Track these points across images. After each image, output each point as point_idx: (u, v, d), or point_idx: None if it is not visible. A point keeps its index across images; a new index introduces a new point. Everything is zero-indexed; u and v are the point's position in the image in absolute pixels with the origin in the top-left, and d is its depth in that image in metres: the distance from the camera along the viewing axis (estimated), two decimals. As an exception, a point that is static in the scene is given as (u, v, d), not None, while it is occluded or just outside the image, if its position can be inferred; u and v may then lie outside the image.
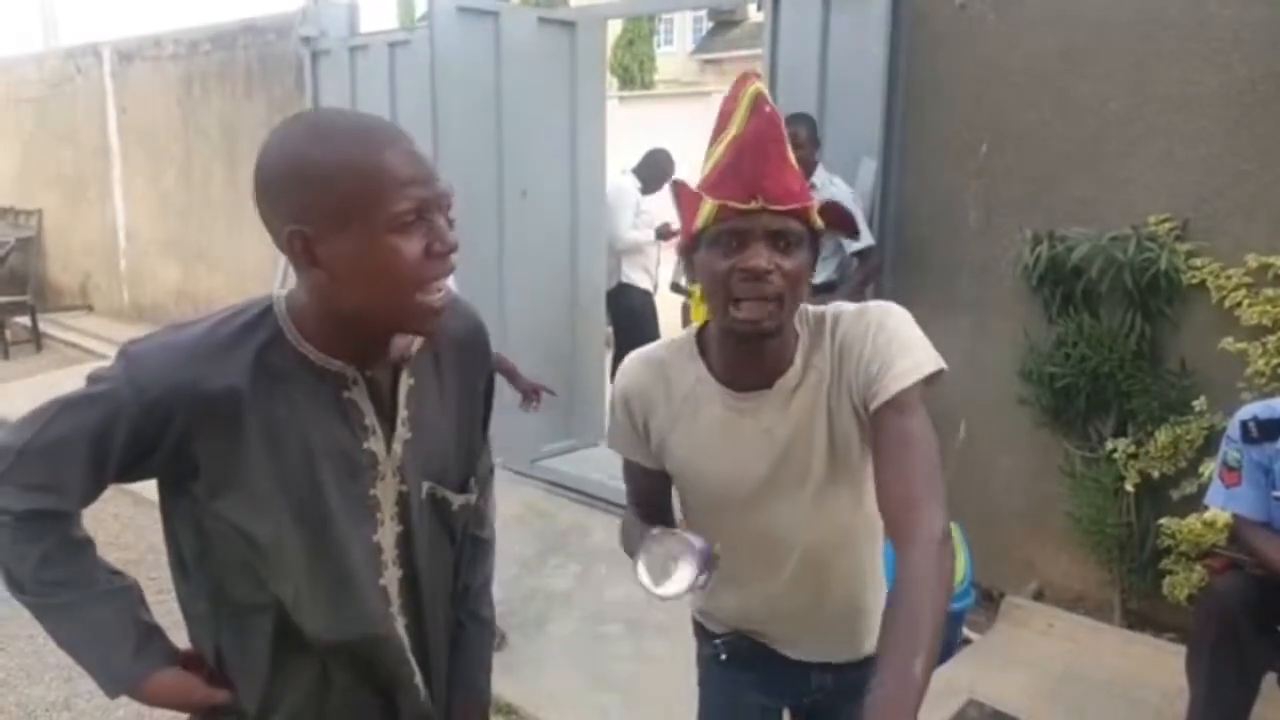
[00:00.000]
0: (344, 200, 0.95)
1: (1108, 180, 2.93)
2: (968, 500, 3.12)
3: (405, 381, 1.12)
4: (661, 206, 5.28)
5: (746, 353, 1.20)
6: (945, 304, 3.30)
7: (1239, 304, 2.68)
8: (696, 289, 4.73)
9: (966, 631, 3.00)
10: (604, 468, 4.24)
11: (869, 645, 1.32)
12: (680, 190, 1.19)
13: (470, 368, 1.21)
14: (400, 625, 1.16)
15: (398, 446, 1.12)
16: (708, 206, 1.13)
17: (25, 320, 7.53)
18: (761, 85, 1.15)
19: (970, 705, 2.54)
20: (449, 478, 1.19)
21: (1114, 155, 2.91)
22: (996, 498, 3.24)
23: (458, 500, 1.20)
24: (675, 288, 5.21)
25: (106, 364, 1.04)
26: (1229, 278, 2.71)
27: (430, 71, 4.08)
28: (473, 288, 4.26)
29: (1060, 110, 2.98)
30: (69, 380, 5.57)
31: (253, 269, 6.63)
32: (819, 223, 1.15)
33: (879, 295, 3.45)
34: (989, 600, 3.17)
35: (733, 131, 1.13)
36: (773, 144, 1.12)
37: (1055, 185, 3.03)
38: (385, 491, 1.12)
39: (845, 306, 1.24)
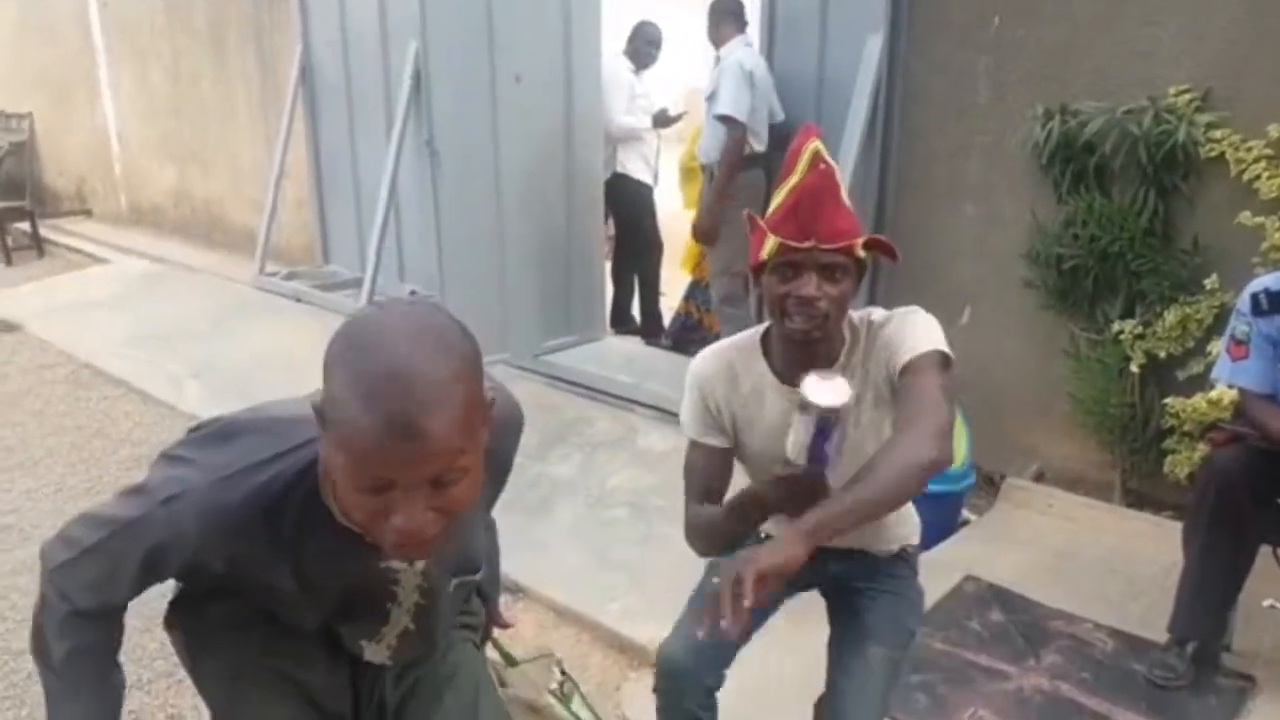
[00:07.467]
0: (330, 421, 0.91)
1: (1126, 50, 2.80)
2: (970, 385, 3.09)
3: None
4: (660, 89, 5.14)
5: (801, 354, 1.42)
6: (953, 187, 3.22)
7: (1258, 177, 2.59)
8: (693, 163, 4.58)
9: (966, 513, 3.04)
10: (605, 362, 4.25)
11: (890, 549, 1.62)
12: (752, 223, 1.43)
13: (498, 456, 1.24)
14: (396, 634, 1.26)
15: (420, 562, 1.18)
16: (771, 242, 1.36)
17: (25, 226, 7.46)
18: (819, 144, 1.37)
19: (967, 580, 2.58)
20: (470, 564, 1.29)
21: (1133, 23, 2.78)
22: (999, 382, 3.22)
23: (477, 576, 1.33)
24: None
25: (157, 483, 1.07)
26: (1249, 149, 2.61)
27: (418, -49, 3.90)
28: (467, 179, 4.19)
29: (1077, -24, 2.84)
30: (78, 284, 5.50)
31: (249, 169, 6.51)
32: (863, 254, 1.37)
33: (884, 183, 3.37)
34: (989, 484, 3.19)
35: (794, 180, 1.37)
36: (826, 194, 1.35)
37: (1070, 57, 2.91)
38: (408, 581, 1.21)
39: (878, 312, 1.47)
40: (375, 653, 1.28)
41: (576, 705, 1.93)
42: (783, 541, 1.15)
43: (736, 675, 1.57)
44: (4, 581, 2.72)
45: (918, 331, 1.40)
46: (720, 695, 1.56)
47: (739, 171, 3.65)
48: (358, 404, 0.86)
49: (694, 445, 1.55)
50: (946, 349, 1.39)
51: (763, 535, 1.56)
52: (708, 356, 1.55)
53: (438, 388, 0.87)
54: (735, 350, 1.53)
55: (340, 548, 1.09)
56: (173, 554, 1.06)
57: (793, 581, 1.63)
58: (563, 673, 1.97)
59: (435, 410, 0.87)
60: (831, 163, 1.38)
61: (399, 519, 0.91)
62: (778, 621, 1.64)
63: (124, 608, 1.18)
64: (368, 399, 0.86)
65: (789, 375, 1.46)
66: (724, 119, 3.56)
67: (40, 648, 1.17)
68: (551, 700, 1.92)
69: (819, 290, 1.34)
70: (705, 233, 3.83)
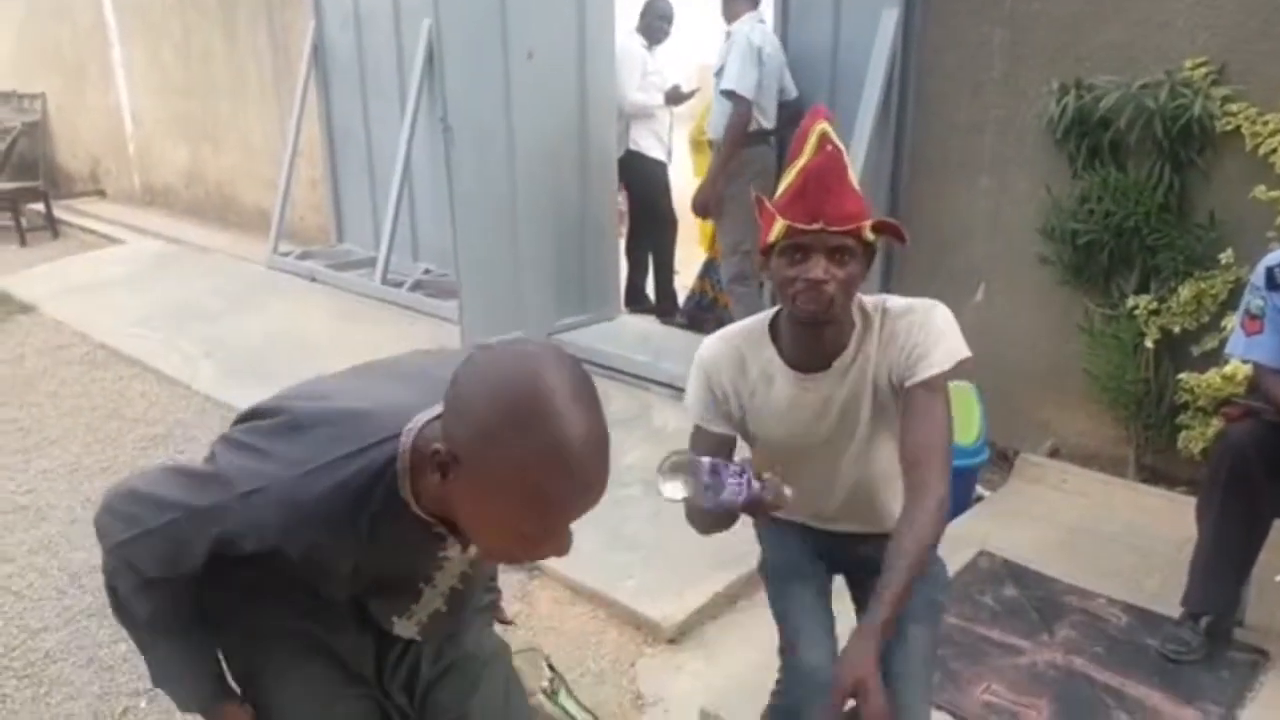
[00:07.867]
0: (501, 497, 0.94)
1: (1142, 23, 2.77)
2: (984, 361, 3.05)
3: None
4: (673, 66, 5.11)
5: (810, 338, 1.45)
6: (967, 163, 3.20)
7: (1274, 151, 2.57)
8: (703, 138, 4.55)
9: (980, 489, 3.04)
10: (620, 341, 4.26)
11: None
12: (760, 205, 1.43)
13: None
14: (428, 613, 1.30)
15: (473, 550, 1.22)
16: (779, 225, 1.36)
17: (39, 207, 7.50)
18: (827, 125, 1.38)
19: (981, 556, 2.59)
20: None
21: (1150, -6, 2.75)
22: (1014, 358, 3.22)
23: None
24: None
25: (232, 473, 1.07)
26: (1265, 123, 2.59)
27: (428, -73, 3.87)
28: (480, 156, 4.18)
29: (1095, -53, 2.80)
30: (92, 265, 5.47)
31: (261, 146, 6.52)
32: (871, 237, 1.37)
33: (898, 158, 3.35)
34: (1003, 460, 3.19)
35: (801, 161, 1.37)
36: (834, 176, 1.35)
37: (1085, 31, 2.88)
38: (452, 568, 1.25)
39: (894, 301, 1.47)
40: (405, 628, 1.31)
41: (563, 699, 1.96)
42: (861, 666, 1.20)
43: (769, 664, 1.58)
44: (22, 561, 2.77)
45: (941, 344, 1.40)
46: (748, 686, 1.55)
47: (743, 148, 3.63)
48: (552, 478, 0.91)
49: (698, 430, 1.57)
50: (965, 353, 1.40)
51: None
52: (715, 342, 1.56)
53: (608, 442, 0.96)
54: (743, 336, 1.54)
55: (411, 541, 1.12)
56: (249, 542, 1.07)
57: (829, 565, 1.67)
58: (550, 668, 2.00)
59: (607, 463, 0.96)
60: (839, 144, 1.38)
61: (552, 548, 0.99)
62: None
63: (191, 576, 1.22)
64: (560, 473, 0.91)
65: (798, 360, 1.48)
66: (729, 94, 3.55)
67: (122, 611, 1.21)
68: (542, 698, 1.96)
69: (826, 273, 1.35)
70: (701, 206, 3.83)
